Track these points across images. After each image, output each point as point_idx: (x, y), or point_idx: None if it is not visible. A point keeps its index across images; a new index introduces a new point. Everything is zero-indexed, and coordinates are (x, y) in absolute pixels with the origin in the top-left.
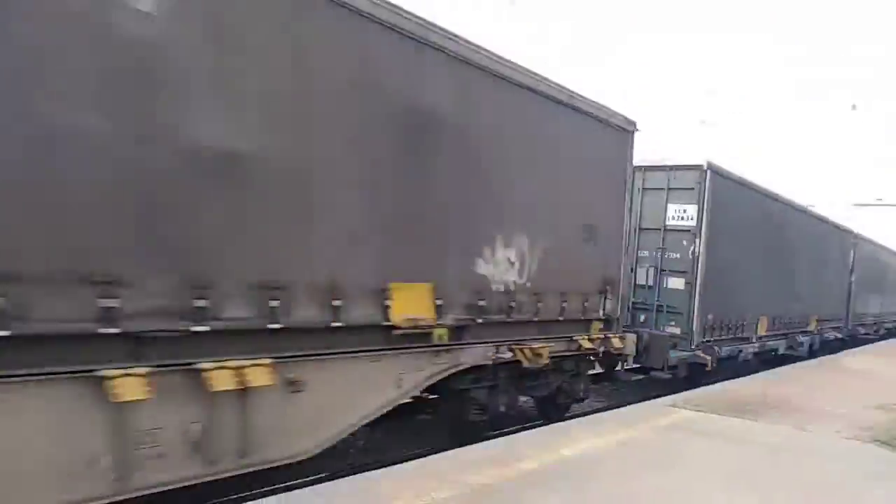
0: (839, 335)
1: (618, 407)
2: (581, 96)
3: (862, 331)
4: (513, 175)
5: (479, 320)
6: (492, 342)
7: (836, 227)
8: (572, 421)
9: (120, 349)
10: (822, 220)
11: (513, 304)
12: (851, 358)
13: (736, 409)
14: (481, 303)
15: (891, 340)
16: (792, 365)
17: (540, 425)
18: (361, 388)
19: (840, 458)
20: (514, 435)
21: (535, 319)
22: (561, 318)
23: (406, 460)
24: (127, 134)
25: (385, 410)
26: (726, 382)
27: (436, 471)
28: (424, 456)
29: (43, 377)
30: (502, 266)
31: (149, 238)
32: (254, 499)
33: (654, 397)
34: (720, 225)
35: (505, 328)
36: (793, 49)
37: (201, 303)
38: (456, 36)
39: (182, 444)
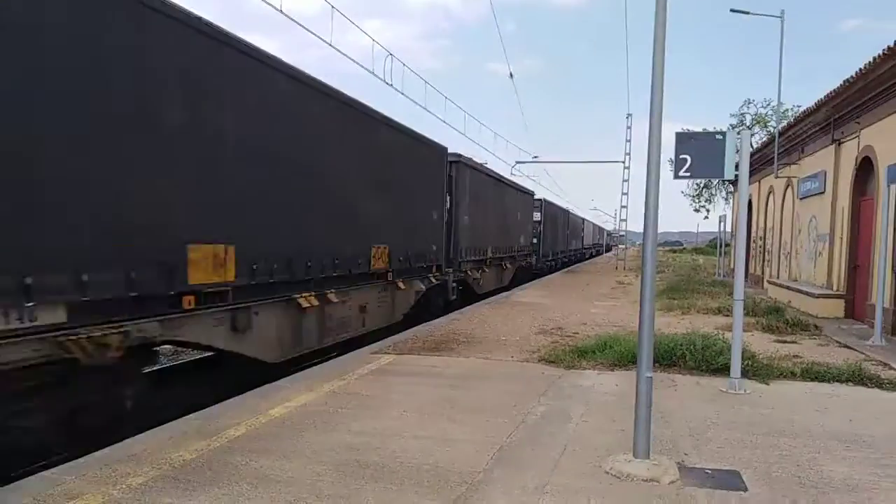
0: (565, 259)
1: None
2: None
3: (571, 256)
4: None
5: None
6: None
7: (565, 210)
8: (283, 379)
9: None
10: (560, 207)
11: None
12: (521, 293)
13: (431, 349)
14: None
15: (554, 274)
16: (476, 304)
17: None
18: None
19: (515, 378)
20: (220, 403)
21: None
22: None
23: None
24: None
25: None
26: (422, 325)
27: (134, 454)
28: None
29: None
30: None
31: None
32: None
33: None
34: (546, 219)
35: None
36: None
37: None
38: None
39: None
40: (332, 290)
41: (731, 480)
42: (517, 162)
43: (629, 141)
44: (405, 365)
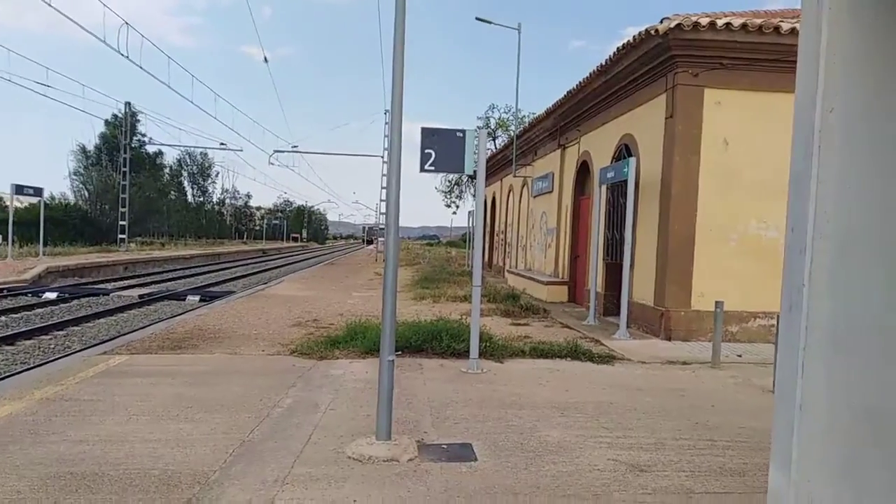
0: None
1: None
2: None
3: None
4: None
5: None
6: None
7: (374, 226)
8: None
9: None
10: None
11: None
12: (279, 286)
13: (172, 347)
14: None
15: (313, 268)
16: (227, 298)
17: None
18: None
19: (264, 372)
20: None
21: None
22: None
23: None
24: None
25: None
26: (162, 322)
27: None
28: None
29: None
30: None
31: None
32: None
33: None
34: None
35: None
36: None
37: None
38: None
39: None
40: None
41: (463, 453)
42: (275, 151)
43: (388, 136)
44: (139, 366)
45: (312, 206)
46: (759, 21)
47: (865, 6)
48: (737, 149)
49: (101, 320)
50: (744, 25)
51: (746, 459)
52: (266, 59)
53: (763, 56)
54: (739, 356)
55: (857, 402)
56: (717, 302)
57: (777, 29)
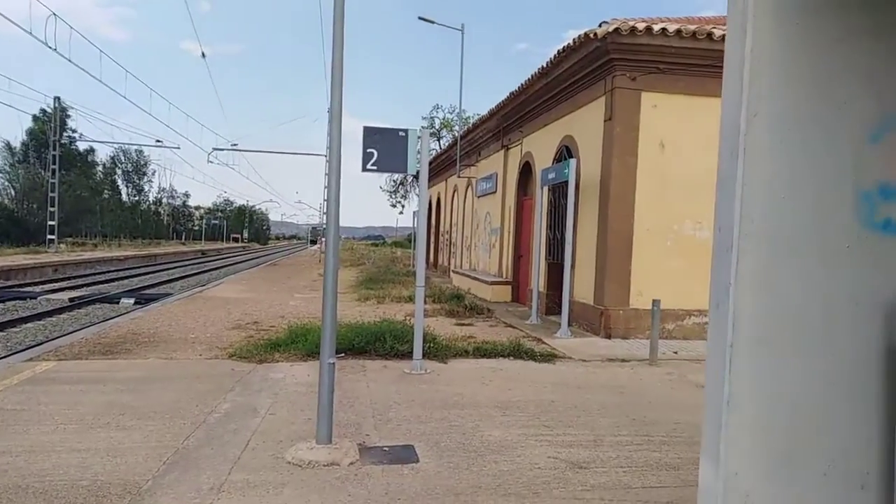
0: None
1: None
2: None
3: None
4: None
5: None
6: None
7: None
8: None
9: None
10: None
11: None
12: (218, 287)
13: (103, 352)
14: None
15: (254, 269)
16: (164, 300)
17: None
18: None
19: (201, 377)
20: None
21: None
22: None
23: None
24: None
25: None
26: (93, 326)
27: None
28: None
29: None
30: None
31: None
32: None
33: None
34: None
35: None
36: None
37: None
38: None
39: None
40: None
41: (405, 454)
42: (214, 149)
43: (329, 134)
44: (67, 372)
45: (254, 206)
46: (693, 27)
47: (790, 11)
48: (672, 151)
49: (28, 325)
50: (678, 31)
51: (681, 454)
52: (203, 55)
53: (697, 61)
54: (675, 353)
55: (784, 397)
56: (654, 300)
57: (710, 35)
